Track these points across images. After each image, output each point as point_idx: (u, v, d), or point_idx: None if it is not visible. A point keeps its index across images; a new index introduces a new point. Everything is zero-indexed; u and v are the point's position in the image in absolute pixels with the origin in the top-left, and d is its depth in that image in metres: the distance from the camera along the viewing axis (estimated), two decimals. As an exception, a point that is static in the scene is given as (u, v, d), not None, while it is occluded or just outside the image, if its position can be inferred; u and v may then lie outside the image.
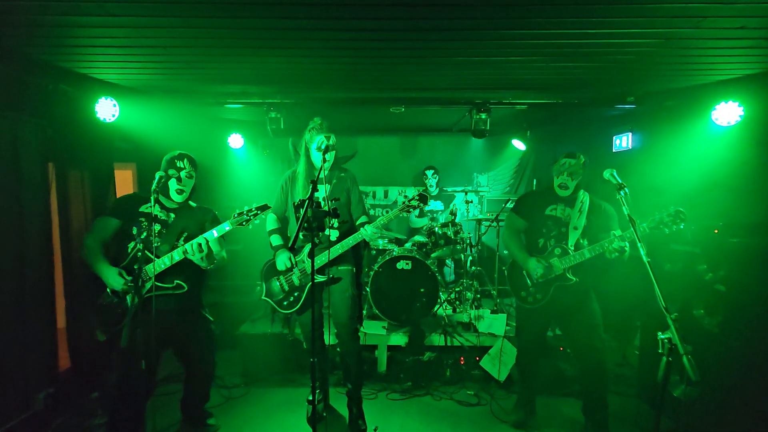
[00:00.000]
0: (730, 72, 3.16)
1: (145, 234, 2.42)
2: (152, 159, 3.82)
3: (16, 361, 2.83)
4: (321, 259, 2.71)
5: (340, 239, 2.76)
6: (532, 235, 2.86)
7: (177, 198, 2.51)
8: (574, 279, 2.69)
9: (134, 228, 2.43)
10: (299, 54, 2.83)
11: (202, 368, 2.72)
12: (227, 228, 2.39)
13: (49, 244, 3.07)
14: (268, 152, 5.90)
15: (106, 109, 3.25)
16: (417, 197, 2.70)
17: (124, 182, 4.45)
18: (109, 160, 3.59)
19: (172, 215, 2.52)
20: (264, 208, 2.42)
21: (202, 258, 2.35)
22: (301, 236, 2.67)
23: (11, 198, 2.81)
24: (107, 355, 3.40)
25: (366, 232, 2.64)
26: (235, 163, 5.46)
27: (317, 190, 2.25)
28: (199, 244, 2.32)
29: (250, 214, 2.39)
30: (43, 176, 3.04)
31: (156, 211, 2.50)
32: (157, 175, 2.29)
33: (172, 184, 2.49)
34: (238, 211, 2.40)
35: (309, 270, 2.75)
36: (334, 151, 2.77)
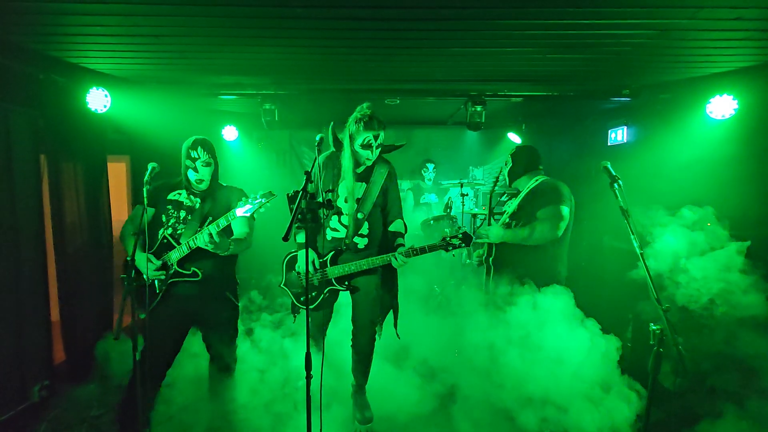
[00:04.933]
0: (725, 65, 3.16)
1: (173, 221, 2.48)
2: (146, 151, 3.80)
3: (11, 353, 2.82)
4: (344, 269, 2.56)
5: (368, 246, 2.61)
6: None
7: (199, 188, 2.53)
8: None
9: (163, 215, 2.50)
10: (294, 44, 2.80)
11: (221, 353, 2.67)
12: (230, 219, 2.36)
13: (41, 237, 3.05)
14: (263, 145, 5.87)
15: (98, 100, 3.21)
16: (460, 236, 2.47)
17: (118, 175, 4.41)
18: (102, 152, 3.56)
19: (198, 201, 2.53)
20: (269, 196, 2.34)
21: (213, 247, 2.35)
22: (329, 236, 2.56)
23: (3, 190, 2.77)
24: (102, 348, 3.41)
25: (395, 260, 2.45)
26: (230, 155, 5.42)
27: (311, 181, 2.18)
28: (210, 234, 2.31)
29: (255, 203, 2.33)
30: (34, 168, 3.01)
31: (183, 197, 2.53)
32: (150, 166, 2.26)
33: (191, 175, 2.50)
34: (244, 200, 2.35)
35: (329, 276, 2.61)
36: (380, 149, 2.56)
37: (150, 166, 2.27)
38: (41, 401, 2.95)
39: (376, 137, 2.47)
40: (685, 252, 2.59)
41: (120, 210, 4.11)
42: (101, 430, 2.78)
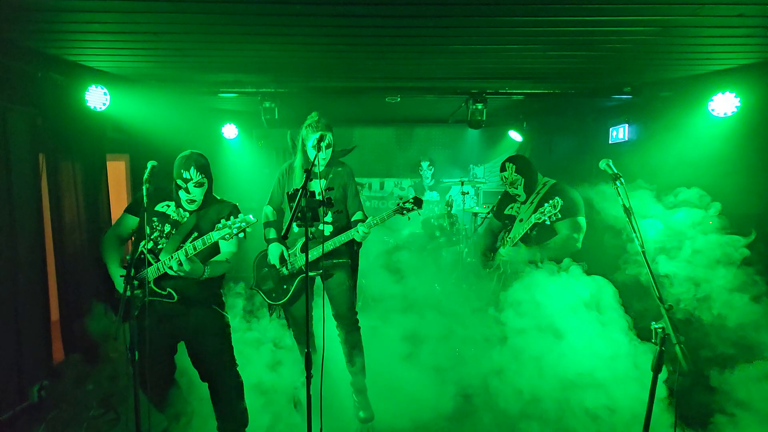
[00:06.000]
0: (726, 62, 3.14)
1: (156, 234, 2.37)
2: (145, 150, 3.80)
3: (10, 353, 2.81)
4: (313, 254, 2.67)
5: (333, 234, 2.77)
6: (503, 232, 3.32)
7: (190, 207, 2.43)
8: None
9: (147, 227, 2.37)
10: (293, 41, 2.79)
11: (218, 382, 2.50)
12: (206, 243, 2.26)
13: (41, 237, 3.04)
14: (263, 143, 5.86)
15: (96, 98, 3.19)
16: (412, 200, 2.71)
17: (117, 174, 4.39)
18: (101, 151, 3.54)
19: (186, 215, 2.42)
20: (248, 221, 2.24)
21: (184, 274, 2.21)
22: (295, 228, 2.70)
23: (1, 190, 2.76)
24: (101, 348, 3.40)
25: (357, 233, 2.65)
26: (230, 153, 5.41)
27: (311, 179, 2.21)
28: (179, 262, 2.18)
29: (234, 227, 2.23)
30: (33, 167, 3.00)
31: (171, 210, 2.43)
32: (149, 165, 2.23)
33: (182, 195, 2.40)
34: (223, 223, 2.25)
35: (301, 264, 2.75)
36: (331, 148, 2.78)
37: (149, 164, 2.23)
38: (40, 401, 2.93)
39: (323, 137, 2.69)
40: (682, 248, 2.59)
41: (119, 209, 4.08)
42: (100, 431, 2.77)
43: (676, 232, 2.65)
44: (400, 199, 2.76)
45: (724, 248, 2.54)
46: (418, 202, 2.72)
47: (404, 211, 2.72)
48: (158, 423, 2.54)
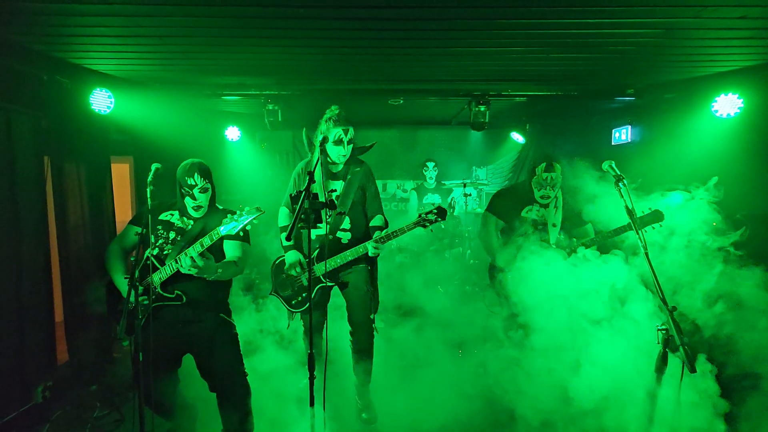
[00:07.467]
0: (729, 63, 3.15)
1: (161, 241, 2.37)
2: (150, 152, 3.82)
3: (15, 354, 2.82)
4: (332, 263, 2.58)
5: (351, 241, 2.66)
6: (510, 234, 2.96)
7: (195, 214, 2.43)
8: None
9: (152, 236, 2.37)
10: (297, 44, 2.80)
11: (227, 392, 2.44)
12: (214, 238, 2.27)
13: (45, 238, 3.05)
14: (266, 145, 5.88)
15: (101, 101, 3.22)
16: (435, 211, 2.51)
17: (121, 176, 4.43)
18: (106, 153, 3.57)
19: (191, 222, 2.43)
20: (256, 212, 2.22)
21: (197, 272, 2.20)
22: (313, 236, 2.60)
23: (6, 192, 2.78)
24: (105, 349, 3.41)
25: (369, 249, 2.51)
26: (233, 156, 5.43)
27: (314, 181, 2.18)
28: (192, 258, 2.17)
29: (241, 219, 2.22)
30: (38, 169, 3.02)
31: (175, 218, 2.43)
32: (153, 167, 2.24)
33: (188, 202, 2.40)
34: (230, 217, 2.25)
35: (317, 274, 2.65)
36: (352, 145, 2.65)
37: (153, 166, 2.24)
38: (45, 402, 2.94)
39: (345, 132, 2.59)
40: (680, 248, 2.57)
41: (124, 210, 4.13)
42: (104, 431, 2.79)
43: (674, 231, 2.63)
44: (423, 211, 2.57)
45: (723, 248, 2.52)
46: (441, 213, 2.50)
47: (426, 224, 2.51)
48: (162, 424, 2.55)
